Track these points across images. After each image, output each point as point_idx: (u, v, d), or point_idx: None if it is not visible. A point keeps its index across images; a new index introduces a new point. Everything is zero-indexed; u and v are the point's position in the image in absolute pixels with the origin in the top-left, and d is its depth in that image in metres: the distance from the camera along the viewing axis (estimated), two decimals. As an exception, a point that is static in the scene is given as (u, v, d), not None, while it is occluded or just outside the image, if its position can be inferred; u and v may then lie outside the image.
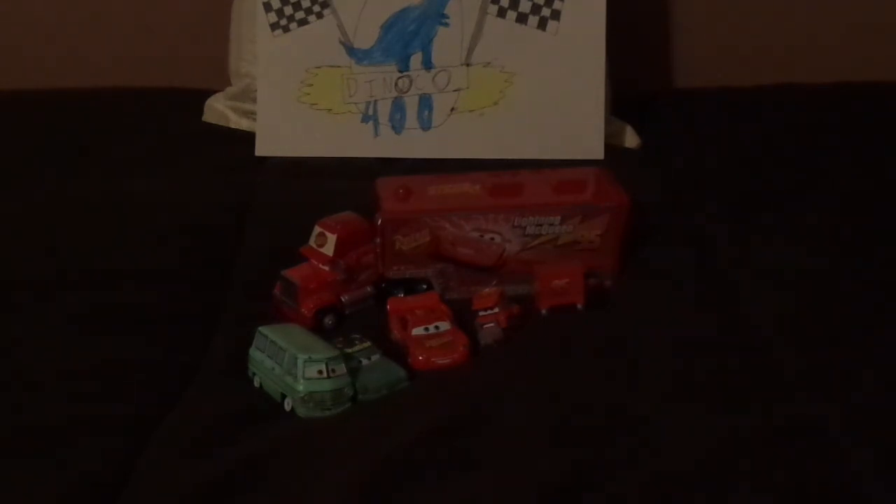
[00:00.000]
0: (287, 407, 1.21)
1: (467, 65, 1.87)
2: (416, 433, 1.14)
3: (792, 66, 2.17)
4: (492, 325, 1.32)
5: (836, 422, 1.17)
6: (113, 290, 1.43)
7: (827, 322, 1.36)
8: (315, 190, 1.71)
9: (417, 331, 1.31)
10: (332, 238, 1.38)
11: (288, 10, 1.87)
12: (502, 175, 1.54)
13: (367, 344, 1.28)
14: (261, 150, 1.88)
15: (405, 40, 1.86)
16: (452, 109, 1.87)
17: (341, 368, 1.21)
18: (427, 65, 1.87)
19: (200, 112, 2.01)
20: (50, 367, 1.27)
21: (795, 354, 1.30)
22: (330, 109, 1.88)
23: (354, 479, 1.08)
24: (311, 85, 1.87)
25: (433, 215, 1.40)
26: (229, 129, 1.98)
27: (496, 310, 1.33)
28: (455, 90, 1.87)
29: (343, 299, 1.39)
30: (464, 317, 1.34)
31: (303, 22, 1.87)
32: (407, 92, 1.87)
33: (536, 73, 1.86)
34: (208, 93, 2.03)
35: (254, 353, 1.26)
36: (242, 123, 1.97)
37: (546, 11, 1.85)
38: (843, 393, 1.22)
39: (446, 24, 1.86)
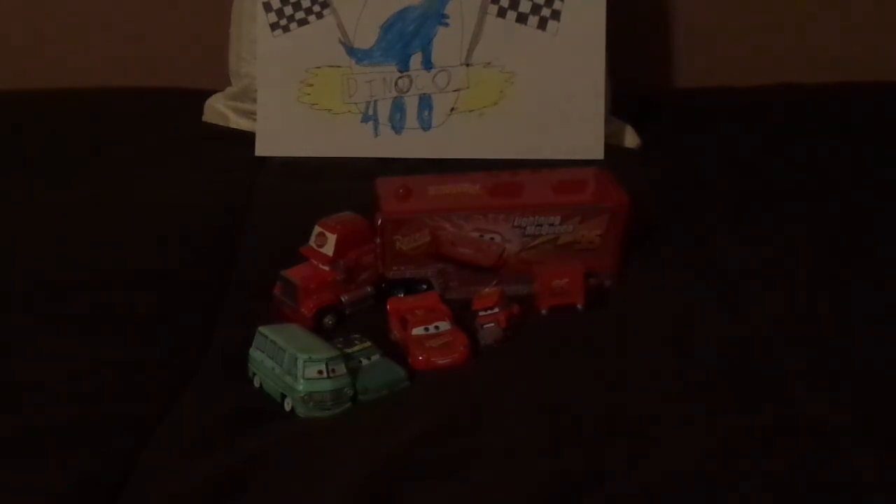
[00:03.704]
0: (287, 407, 1.21)
1: (467, 65, 1.87)
2: (415, 433, 1.14)
3: (792, 66, 2.18)
4: (492, 325, 1.32)
5: (836, 422, 1.17)
6: (113, 290, 1.43)
7: (827, 322, 1.36)
8: (315, 190, 1.71)
9: (417, 331, 1.31)
10: (332, 238, 1.38)
11: (288, 10, 1.87)
12: (502, 175, 1.54)
13: (367, 344, 1.28)
14: (261, 150, 1.88)
15: (405, 40, 1.87)
16: (452, 109, 1.87)
17: (341, 368, 1.21)
18: (427, 65, 1.87)
19: (200, 112, 2.01)
20: (50, 367, 1.27)
21: (795, 354, 1.30)
22: (330, 109, 1.88)
23: (354, 479, 1.08)
24: (311, 85, 1.87)
25: (433, 215, 1.40)
26: (229, 129, 1.98)
27: (496, 310, 1.33)
28: (455, 90, 1.87)
29: (343, 299, 1.39)
30: (464, 317, 1.34)
31: (303, 22, 1.87)
32: (407, 92, 1.87)
33: (536, 73, 1.86)
34: (208, 93, 2.03)
35: (254, 353, 1.26)
36: (242, 123, 1.97)
37: (546, 11, 1.85)
38: (843, 393, 1.22)
39: (446, 24, 1.86)
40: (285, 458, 1.12)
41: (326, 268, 1.38)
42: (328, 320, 1.37)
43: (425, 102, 1.87)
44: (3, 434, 1.16)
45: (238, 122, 1.98)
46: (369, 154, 1.86)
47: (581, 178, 1.53)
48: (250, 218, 1.67)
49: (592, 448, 1.13)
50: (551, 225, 1.41)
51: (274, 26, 1.88)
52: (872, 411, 1.19)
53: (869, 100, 2.07)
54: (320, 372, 1.19)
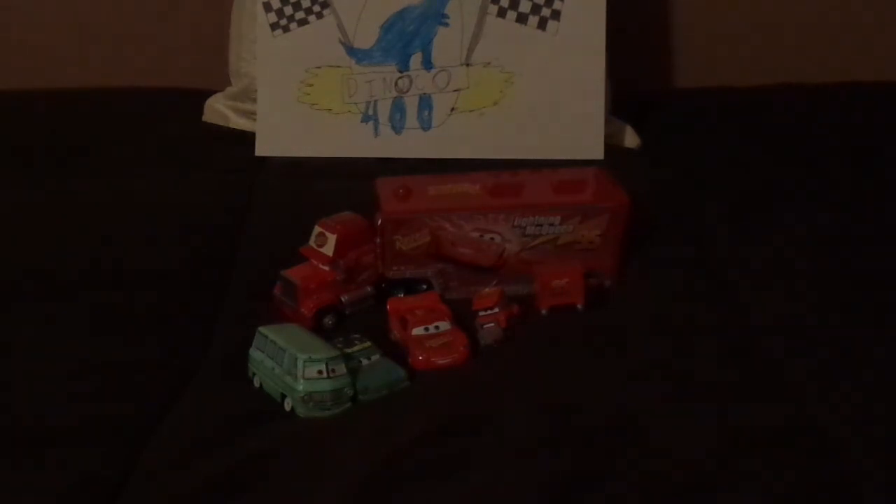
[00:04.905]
0: (287, 407, 1.21)
1: (467, 65, 1.87)
2: (416, 433, 1.14)
3: (792, 66, 2.18)
4: (492, 325, 1.32)
5: (836, 422, 1.17)
6: (113, 290, 1.43)
7: (827, 322, 1.36)
8: (315, 190, 1.71)
9: (417, 331, 1.31)
10: (332, 238, 1.38)
11: (288, 10, 1.87)
12: (502, 175, 1.54)
13: (367, 344, 1.28)
14: (261, 150, 1.88)
15: (405, 40, 1.87)
16: (452, 109, 1.87)
17: (341, 368, 1.21)
18: (427, 65, 1.87)
19: (200, 112, 2.01)
20: (50, 367, 1.27)
21: (795, 354, 1.30)
22: (330, 109, 1.88)
23: (354, 479, 1.08)
24: (311, 85, 1.87)
25: (433, 215, 1.40)
26: (229, 129, 1.98)
27: (496, 310, 1.33)
28: (455, 90, 1.87)
29: (343, 299, 1.39)
30: (464, 317, 1.34)
31: (303, 22, 1.87)
32: (407, 92, 1.87)
33: (536, 73, 1.86)
34: (208, 93, 2.03)
35: (254, 353, 1.26)
36: (242, 123, 1.97)
37: (546, 11, 1.85)
38: (844, 393, 1.22)
39: (446, 24, 1.86)
40: (285, 458, 1.12)
41: (326, 268, 1.38)
42: (328, 320, 1.37)
43: (425, 102, 1.87)
44: (3, 434, 1.16)
45: (238, 122, 1.98)
46: (369, 154, 1.86)
47: (581, 178, 1.53)
48: (250, 218, 1.67)
49: (592, 448, 1.13)
50: (551, 225, 1.41)
51: (274, 26, 1.88)
52: (872, 411, 1.19)
53: (869, 100, 2.07)
54: (320, 372, 1.19)
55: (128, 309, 1.39)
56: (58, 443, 1.15)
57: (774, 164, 1.83)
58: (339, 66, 1.87)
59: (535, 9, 1.85)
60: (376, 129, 1.88)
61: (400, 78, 1.87)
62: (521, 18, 1.86)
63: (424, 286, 1.41)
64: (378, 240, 1.40)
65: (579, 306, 1.38)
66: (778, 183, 1.76)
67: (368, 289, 1.41)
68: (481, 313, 1.33)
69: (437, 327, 1.31)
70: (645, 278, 1.45)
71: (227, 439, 1.15)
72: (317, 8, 1.87)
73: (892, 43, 2.19)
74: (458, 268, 1.42)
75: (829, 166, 1.80)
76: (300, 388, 1.19)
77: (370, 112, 1.88)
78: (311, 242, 1.40)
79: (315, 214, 1.43)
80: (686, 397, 1.21)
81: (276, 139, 1.88)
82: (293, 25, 1.87)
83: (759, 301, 1.41)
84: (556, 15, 1.85)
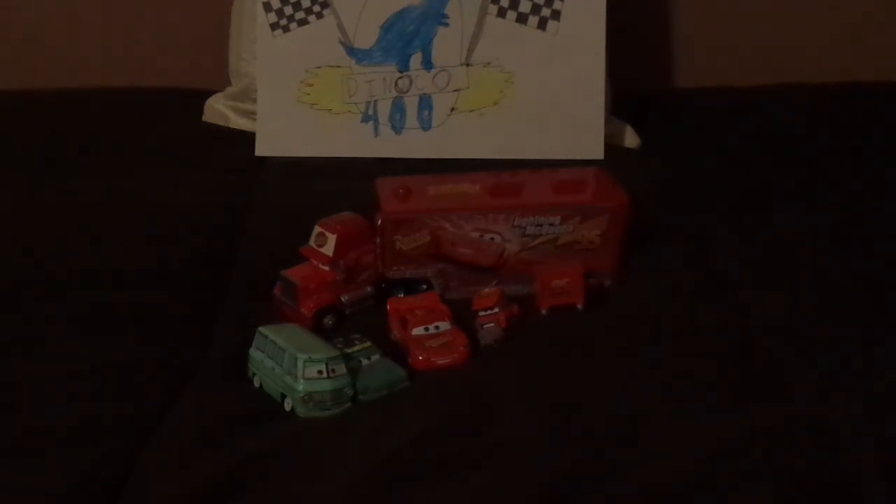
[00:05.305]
0: (287, 407, 1.21)
1: (467, 65, 1.87)
2: (416, 433, 1.14)
3: (792, 66, 2.18)
4: (492, 325, 1.32)
5: (836, 422, 1.17)
6: (113, 290, 1.43)
7: (827, 322, 1.36)
8: (315, 190, 1.71)
9: (417, 331, 1.30)
10: (332, 238, 1.38)
11: (288, 10, 1.87)
12: (502, 175, 1.54)
13: (367, 344, 1.28)
14: (261, 150, 1.88)
15: (405, 40, 1.87)
16: (452, 109, 1.87)
17: (341, 368, 1.21)
18: (427, 65, 1.87)
19: (200, 112, 2.01)
20: (50, 367, 1.27)
21: (795, 354, 1.30)
22: (330, 109, 1.88)
23: (354, 479, 1.08)
24: (311, 85, 1.87)
25: (433, 215, 1.40)
26: (229, 129, 1.98)
27: (496, 310, 1.33)
28: (455, 90, 1.87)
29: (343, 299, 1.39)
30: (464, 317, 1.34)
31: (303, 22, 1.87)
32: (407, 92, 1.87)
33: (536, 73, 1.86)
34: (208, 93, 2.03)
35: (254, 353, 1.26)
36: (242, 123, 1.97)
37: (546, 11, 1.85)
38: (844, 393, 1.22)
39: (446, 24, 1.86)
40: (285, 458, 1.12)
41: (326, 268, 1.38)
42: (328, 320, 1.37)
43: (425, 102, 1.87)
44: (3, 434, 1.16)
45: (238, 122, 1.98)
46: (369, 154, 1.86)
47: (581, 178, 1.53)
48: (250, 218, 1.67)
49: (592, 448, 1.13)
50: (551, 225, 1.41)
51: (274, 26, 1.88)
52: (872, 411, 1.19)
53: (869, 100, 2.07)
54: (320, 372, 1.19)
55: (128, 309, 1.39)
56: (58, 443, 1.15)
57: (774, 164, 1.83)
58: (339, 66, 1.88)
59: (535, 9, 1.85)
60: (376, 129, 1.88)
61: (400, 78, 1.87)
62: (521, 18, 1.86)
63: (424, 286, 1.41)
64: (378, 240, 1.40)
65: (579, 306, 1.38)
66: (778, 183, 1.76)
67: (368, 289, 1.41)
68: (481, 313, 1.33)
69: (437, 327, 1.31)
70: (645, 278, 1.45)
71: (227, 439, 1.15)
72: (317, 8, 1.87)
73: (892, 43, 2.19)
74: (458, 268, 1.42)
75: (829, 166, 1.80)
76: (300, 388, 1.19)
77: (370, 112, 1.88)
78: (311, 242, 1.40)
79: (315, 214, 1.43)
80: (686, 397, 1.21)
81: (276, 139, 1.88)
82: (293, 25, 1.88)
83: (759, 301, 1.41)
84: (556, 15, 1.85)
